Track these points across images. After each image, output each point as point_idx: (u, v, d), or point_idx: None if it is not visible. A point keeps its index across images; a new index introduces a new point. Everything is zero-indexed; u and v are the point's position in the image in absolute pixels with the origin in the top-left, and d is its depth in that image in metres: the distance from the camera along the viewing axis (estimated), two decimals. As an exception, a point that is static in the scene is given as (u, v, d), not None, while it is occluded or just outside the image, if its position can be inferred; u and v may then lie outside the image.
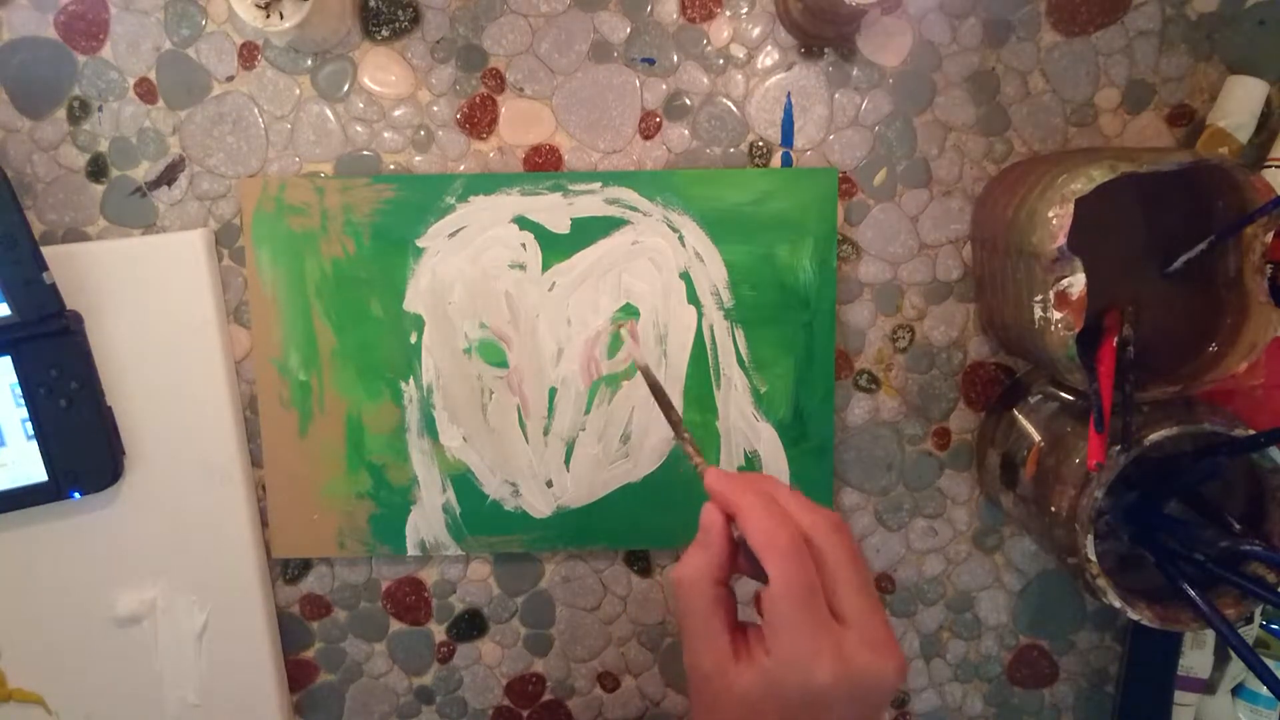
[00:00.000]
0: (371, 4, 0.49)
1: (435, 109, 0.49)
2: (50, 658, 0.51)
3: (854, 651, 0.31)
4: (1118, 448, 0.41)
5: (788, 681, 0.31)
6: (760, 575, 0.33)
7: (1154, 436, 0.41)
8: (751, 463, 0.51)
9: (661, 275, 0.49)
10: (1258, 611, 0.51)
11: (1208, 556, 0.41)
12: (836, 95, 0.50)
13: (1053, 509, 0.43)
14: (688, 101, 0.50)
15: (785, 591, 0.32)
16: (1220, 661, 0.52)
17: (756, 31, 0.49)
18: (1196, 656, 0.52)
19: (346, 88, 0.49)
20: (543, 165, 0.50)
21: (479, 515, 0.51)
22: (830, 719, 0.31)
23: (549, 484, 0.51)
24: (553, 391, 0.50)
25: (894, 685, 0.32)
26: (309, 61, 0.49)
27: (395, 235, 0.49)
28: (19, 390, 0.47)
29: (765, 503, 0.34)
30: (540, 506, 0.51)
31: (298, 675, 0.54)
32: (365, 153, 0.50)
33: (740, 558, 0.35)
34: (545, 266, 0.49)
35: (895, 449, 0.52)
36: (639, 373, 0.43)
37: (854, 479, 0.53)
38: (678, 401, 0.50)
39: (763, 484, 0.35)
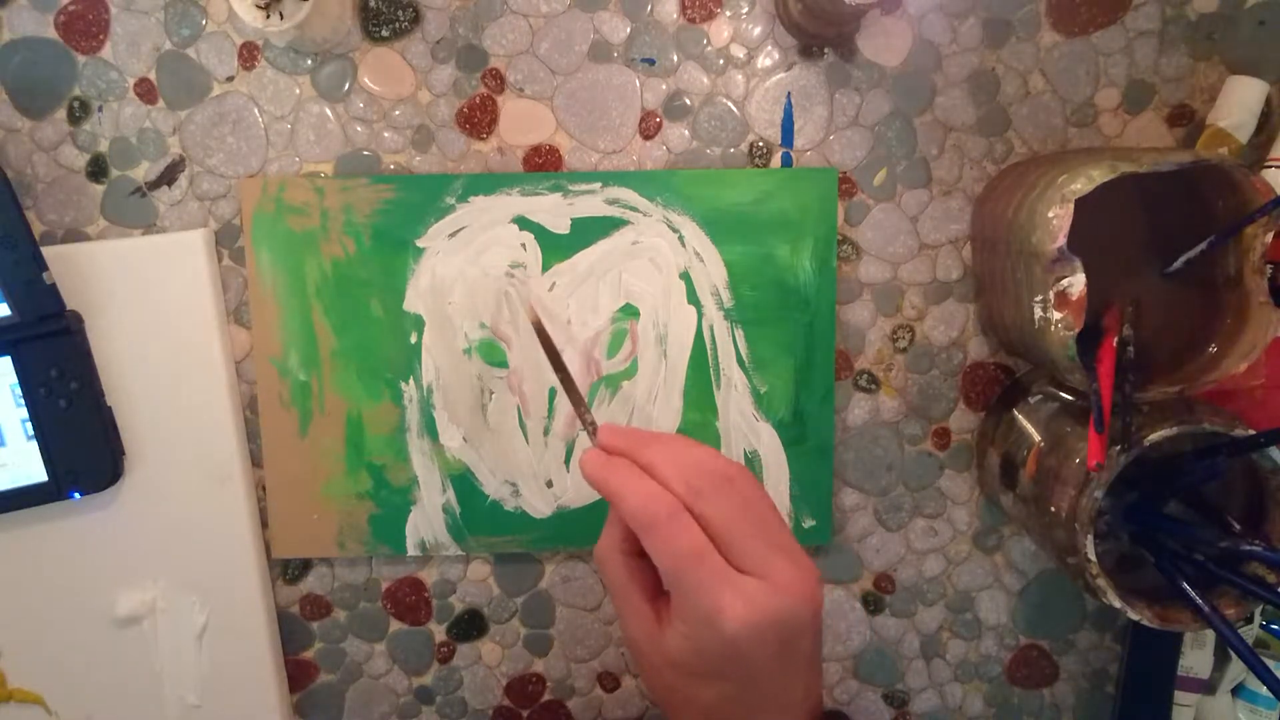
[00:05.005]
0: (371, 4, 0.49)
1: (435, 109, 0.49)
2: (50, 658, 0.51)
3: (758, 598, 0.32)
4: (1118, 448, 0.41)
5: (703, 639, 0.32)
6: None
7: (1154, 436, 0.41)
8: (751, 463, 0.51)
9: (661, 275, 0.49)
10: (1258, 611, 0.51)
11: (1208, 556, 0.41)
12: (836, 95, 0.50)
13: (1053, 509, 0.43)
14: (688, 101, 0.50)
15: (672, 562, 0.32)
16: (1220, 661, 0.52)
17: (756, 31, 0.49)
18: (1196, 656, 0.52)
19: (346, 88, 0.49)
20: (543, 165, 0.50)
21: (479, 515, 0.51)
22: (753, 665, 0.33)
23: (549, 484, 0.51)
24: (553, 392, 0.50)
25: (806, 619, 0.33)
26: (309, 61, 0.49)
27: (395, 235, 0.49)
28: (19, 390, 0.47)
29: (635, 482, 0.33)
30: (540, 506, 0.51)
31: (298, 675, 0.54)
32: (365, 153, 0.50)
33: None
34: (545, 267, 0.49)
35: (895, 449, 0.52)
36: (540, 342, 0.41)
37: (854, 479, 0.53)
38: (677, 402, 0.50)
39: (640, 452, 0.35)
